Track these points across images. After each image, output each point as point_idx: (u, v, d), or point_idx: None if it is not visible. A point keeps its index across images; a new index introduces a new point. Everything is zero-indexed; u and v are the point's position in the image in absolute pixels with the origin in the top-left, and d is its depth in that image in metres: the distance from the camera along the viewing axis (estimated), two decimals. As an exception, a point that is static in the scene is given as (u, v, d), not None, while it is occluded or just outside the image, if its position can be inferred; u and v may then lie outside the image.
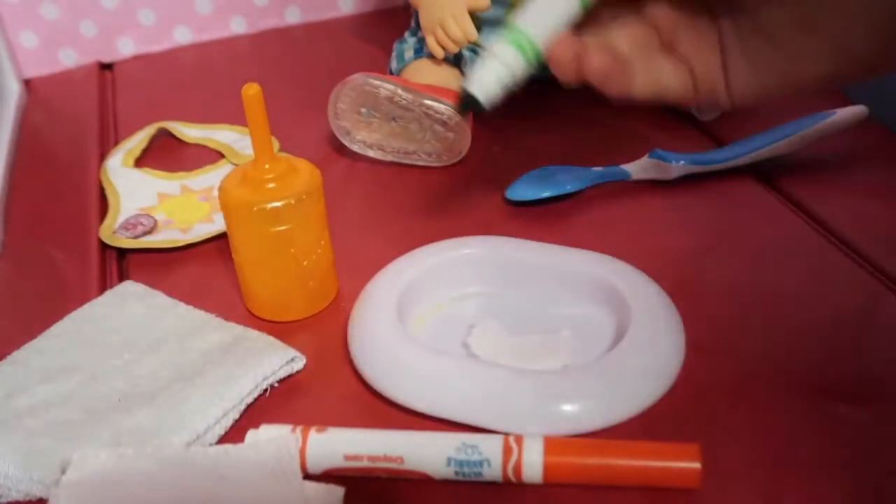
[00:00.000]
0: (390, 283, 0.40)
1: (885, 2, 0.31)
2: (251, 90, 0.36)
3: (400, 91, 0.51)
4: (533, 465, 0.31)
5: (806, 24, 0.34)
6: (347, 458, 0.32)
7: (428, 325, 0.40)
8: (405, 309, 0.39)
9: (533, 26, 0.35)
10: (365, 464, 0.32)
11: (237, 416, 0.36)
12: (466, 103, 0.36)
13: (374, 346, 0.37)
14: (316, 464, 0.33)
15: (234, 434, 0.35)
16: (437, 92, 0.52)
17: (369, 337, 0.38)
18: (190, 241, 0.47)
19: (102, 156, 0.57)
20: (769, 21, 0.34)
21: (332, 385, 0.38)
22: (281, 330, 0.40)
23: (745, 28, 0.35)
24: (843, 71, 0.34)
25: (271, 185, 0.38)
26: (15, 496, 0.33)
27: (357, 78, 0.52)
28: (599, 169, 0.50)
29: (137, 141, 0.58)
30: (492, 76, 0.35)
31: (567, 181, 0.49)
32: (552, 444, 0.32)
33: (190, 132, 0.59)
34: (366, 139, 0.54)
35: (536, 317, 0.40)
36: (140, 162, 0.56)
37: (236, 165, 0.52)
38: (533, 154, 0.53)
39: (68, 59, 0.71)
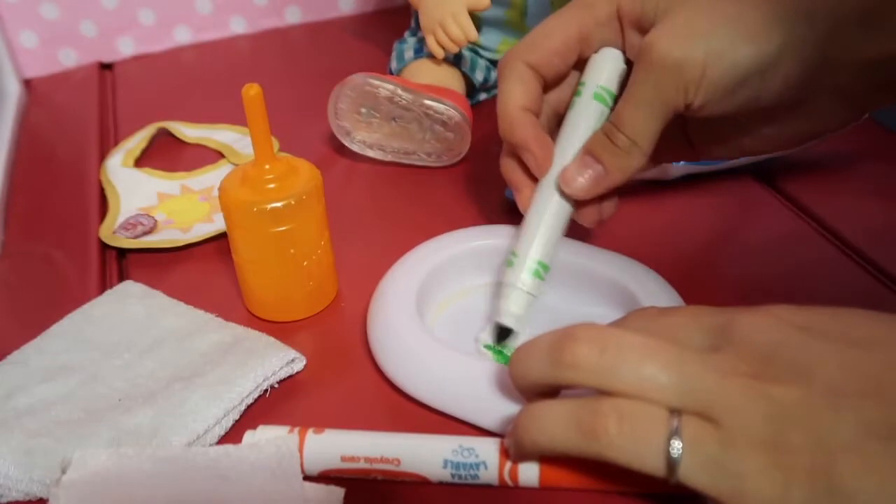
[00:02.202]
0: (411, 272, 0.40)
1: (849, 88, 0.34)
2: (252, 90, 0.36)
3: (400, 91, 0.51)
4: (529, 468, 0.31)
5: (773, 123, 0.37)
6: (344, 459, 0.32)
7: (446, 315, 0.41)
8: (425, 298, 0.40)
9: (540, 250, 0.37)
10: (362, 465, 0.32)
11: (237, 417, 0.36)
12: (502, 334, 0.38)
13: (393, 338, 0.37)
14: (313, 465, 0.33)
15: (235, 435, 0.35)
16: (437, 92, 0.52)
17: (388, 329, 0.38)
18: (190, 241, 0.47)
19: (102, 156, 0.57)
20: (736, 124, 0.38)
21: (332, 386, 0.38)
22: (281, 330, 0.40)
23: (712, 128, 0.38)
24: (807, 138, 0.38)
25: (271, 186, 0.38)
26: (15, 496, 0.33)
27: (357, 78, 0.51)
28: (599, 169, 0.50)
29: (137, 141, 0.58)
30: (520, 307, 0.37)
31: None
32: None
33: (190, 132, 0.59)
34: (366, 139, 0.54)
35: (546, 313, 0.40)
36: (140, 162, 0.56)
37: (236, 165, 0.52)
38: (533, 154, 0.53)
39: (68, 59, 0.71)
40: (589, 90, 0.38)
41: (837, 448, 0.25)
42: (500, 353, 0.38)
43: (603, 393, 0.28)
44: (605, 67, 0.38)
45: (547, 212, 0.38)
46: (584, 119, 0.38)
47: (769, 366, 0.27)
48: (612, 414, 0.28)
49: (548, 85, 0.39)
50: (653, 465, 0.27)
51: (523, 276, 0.37)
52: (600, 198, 0.38)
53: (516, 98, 0.38)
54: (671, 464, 0.27)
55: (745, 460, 0.26)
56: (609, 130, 0.36)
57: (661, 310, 0.32)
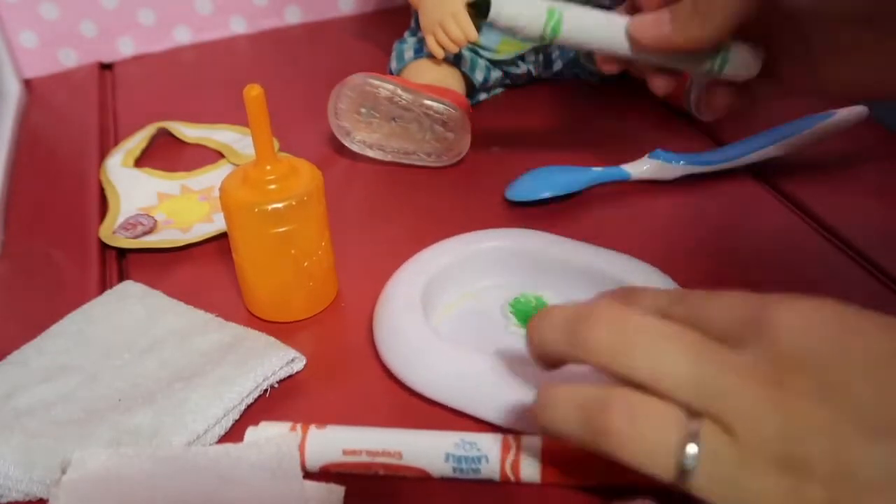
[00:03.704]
0: (418, 273, 0.40)
1: None
2: (253, 91, 0.36)
3: (400, 91, 0.51)
4: (531, 463, 0.31)
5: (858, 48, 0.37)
6: (346, 452, 0.32)
7: (452, 317, 0.41)
8: (431, 298, 0.40)
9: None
10: (363, 458, 0.32)
11: (237, 417, 0.36)
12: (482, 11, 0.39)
13: (399, 337, 0.38)
14: (315, 459, 0.33)
15: (234, 434, 0.35)
16: (437, 92, 0.52)
17: (395, 328, 0.38)
18: (190, 241, 0.47)
19: (102, 156, 0.57)
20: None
21: (331, 386, 0.38)
22: (281, 330, 0.40)
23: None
24: (886, 90, 0.38)
25: (272, 187, 0.38)
26: (15, 496, 0.33)
27: (357, 78, 0.52)
28: (599, 169, 0.50)
29: (137, 141, 0.58)
30: None
31: (567, 181, 0.49)
32: (551, 443, 0.32)
33: (190, 132, 0.59)
34: (366, 139, 0.54)
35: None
36: (140, 162, 0.56)
37: (236, 165, 0.52)
38: (533, 154, 0.53)
39: (68, 59, 0.71)
40: None
41: (862, 486, 0.23)
42: (524, 317, 0.38)
43: (615, 378, 0.27)
44: None
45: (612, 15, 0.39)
46: None
47: (797, 375, 0.24)
48: (624, 411, 0.26)
49: None
50: (663, 469, 0.26)
51: None
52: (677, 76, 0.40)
53: None
54: (683, 471, 0.25)
55: (760, 481, 0.24)
56: None
57: (687, 292, 0.29)
